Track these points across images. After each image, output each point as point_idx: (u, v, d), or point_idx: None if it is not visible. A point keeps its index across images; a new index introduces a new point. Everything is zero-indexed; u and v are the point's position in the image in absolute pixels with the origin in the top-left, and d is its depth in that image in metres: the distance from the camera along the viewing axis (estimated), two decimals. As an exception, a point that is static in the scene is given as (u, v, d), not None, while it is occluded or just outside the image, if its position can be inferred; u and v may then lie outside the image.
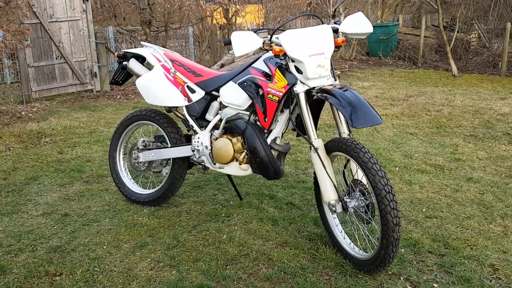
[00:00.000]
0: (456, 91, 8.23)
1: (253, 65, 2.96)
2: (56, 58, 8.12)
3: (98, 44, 8.57)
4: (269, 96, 2.77)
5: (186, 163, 3.36)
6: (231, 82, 3.03)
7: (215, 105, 3.14)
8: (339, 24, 2.88)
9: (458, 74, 10.25)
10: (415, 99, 7.54)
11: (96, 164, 4.53)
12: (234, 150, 2.97)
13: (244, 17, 11.34)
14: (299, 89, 2.69)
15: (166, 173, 3.46)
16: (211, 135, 3.14)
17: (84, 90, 8.58)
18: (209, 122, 3.16)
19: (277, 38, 2.77)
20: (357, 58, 12.17)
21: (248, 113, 2.98)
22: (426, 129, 5.70)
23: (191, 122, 3.22)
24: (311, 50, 2.67)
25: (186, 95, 3.21)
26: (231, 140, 2.98)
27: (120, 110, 7.19)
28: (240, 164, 2.97)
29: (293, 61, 2.71)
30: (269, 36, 2.80)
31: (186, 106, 3.24)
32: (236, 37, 2.67)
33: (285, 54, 2.68)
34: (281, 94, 2.72)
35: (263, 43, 2.75)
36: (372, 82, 9.13)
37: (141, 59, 3.49)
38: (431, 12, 16.01)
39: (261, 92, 2.86)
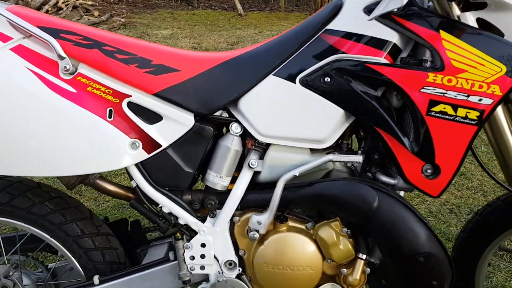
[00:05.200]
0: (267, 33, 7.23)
1: (329, 25, 1.10)
2: None
3: None
4: (439, 111, 1.03)
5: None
6: (271, 76, 1.12)
7: (233, 146, 1.15)
8: None
9: (243, 13, 9.45)
10: (244, 46, 6.26)
11: None
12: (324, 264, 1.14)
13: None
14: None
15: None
16: (233, 227, 1.17)
17: None
18: (222, 198, 1.16)
19: None
20: (123, 0, 10.04)
21: (342, 159, 1.14)
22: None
23: (168, 204, 1.14)
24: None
25: (134, 134, 1.11)
26: (310, 236, 1.13)
27: None
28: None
29: (486, 7, 1.07)
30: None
31: (140, 165, 1.13)
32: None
33: None
34: (491, 101, 1.02)
35: None
36: (168, 29, 7.35)
37: None
38: None
39: (395, 102, 1.09)
